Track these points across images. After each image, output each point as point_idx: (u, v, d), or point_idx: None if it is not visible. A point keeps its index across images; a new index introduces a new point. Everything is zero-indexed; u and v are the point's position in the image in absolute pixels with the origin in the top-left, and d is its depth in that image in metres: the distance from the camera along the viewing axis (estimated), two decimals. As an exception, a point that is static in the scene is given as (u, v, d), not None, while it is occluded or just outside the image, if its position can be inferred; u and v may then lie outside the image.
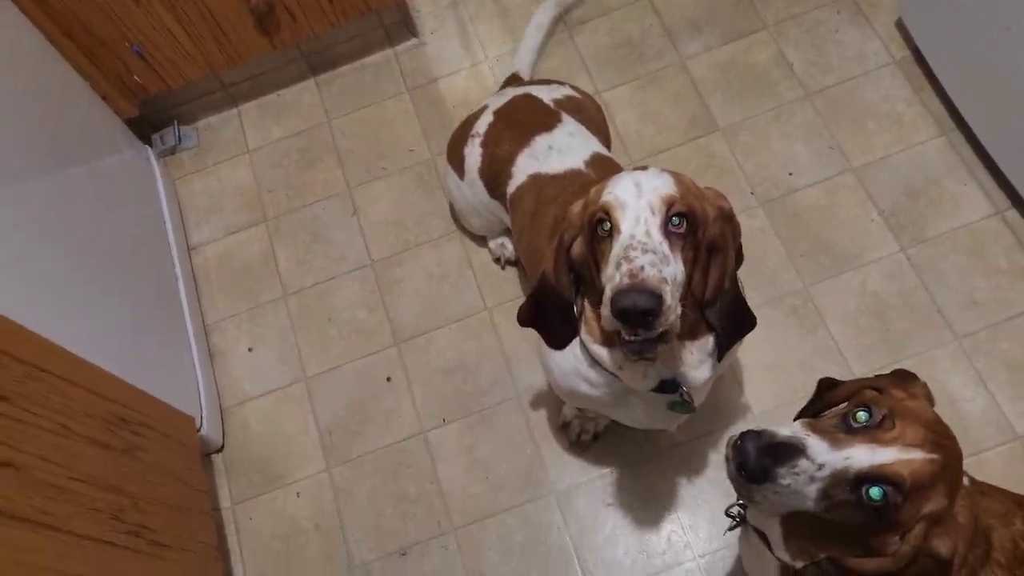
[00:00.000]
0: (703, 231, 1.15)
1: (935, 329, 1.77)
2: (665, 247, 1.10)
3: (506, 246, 1.92)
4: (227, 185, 2.15)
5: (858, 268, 1.84)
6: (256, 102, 2.23)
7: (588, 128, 1.69)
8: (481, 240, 1.98)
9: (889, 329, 1.78)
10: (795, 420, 1.04)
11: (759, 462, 0.94)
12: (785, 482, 0.94)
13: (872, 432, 0.97)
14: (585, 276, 1.23)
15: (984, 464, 1.64)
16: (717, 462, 1.72)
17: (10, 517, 1.07)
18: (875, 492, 0.93)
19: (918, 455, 0.95)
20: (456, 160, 1.77)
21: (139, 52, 1.89)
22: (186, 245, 2.07)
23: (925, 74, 1.99)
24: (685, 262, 1.13)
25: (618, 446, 1.76)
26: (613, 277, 1.08)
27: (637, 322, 1.06)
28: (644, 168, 1.20)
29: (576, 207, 1.23)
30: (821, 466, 0.94)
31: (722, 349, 1.27)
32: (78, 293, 1.53)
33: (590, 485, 1.74)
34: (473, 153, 1.71)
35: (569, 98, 1.74)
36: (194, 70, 2.00)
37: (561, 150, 1.58)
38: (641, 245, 1.08)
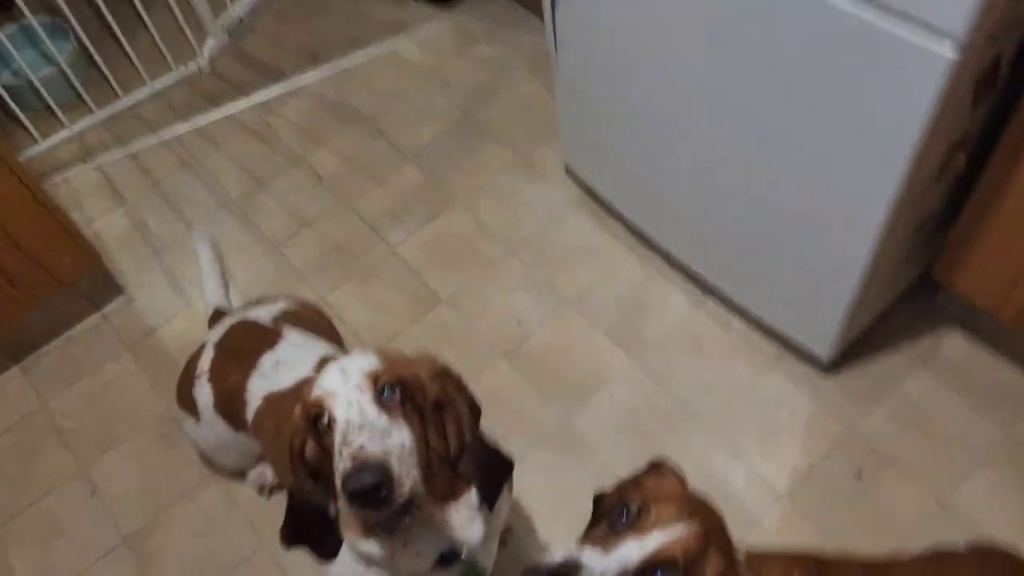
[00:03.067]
0: (423, 395, 1.18)
1: (683, 422, 1.91)
2: (383, 420, 1.11)
3: (266, 474, 1.84)
4: (-65, 509, 1.89)
5: (602, 388, 1.97)
6: (-46, 408, 2.03)
7: (313, 333, 1.71)
8: (241, 476, 1.88)
9: (647, 434, 1.89)
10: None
11: None
12: None
13: (635, 525, 1.02)
14: (325, 475, 1.21)
15: (763, 531, 1.75)
16: (536, 620, 1.69)
17: None
18: None
19: (679, 529, 1.00)
20: (188, 404, 1.70)
21: None
22: None
23: (601, 206, 2.25)
24: (413, 427, 1.15)
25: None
26: (339, 466, 1.07)
27: (373, 501, 1.05)
28: (348, 355, 1.22)
29: (296, 410, 1.22)
30: (603, 574, 0.96)
31: (488, 498, 1.27)
32: None
33: None
34: (203, 392, 1.65)
35: (286, 312, 1.76)
36: None
37: (289, 363, 1.58)
38: (357, 426, 1.09)
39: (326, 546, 1.25)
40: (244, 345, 1.65)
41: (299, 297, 1.89)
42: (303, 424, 1.18)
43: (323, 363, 1.57)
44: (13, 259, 1.85)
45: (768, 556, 1.34)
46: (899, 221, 1.53)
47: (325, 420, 1.12)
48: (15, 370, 2.08)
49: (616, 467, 1.84)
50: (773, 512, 1.77)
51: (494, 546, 1.40)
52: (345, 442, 1.07)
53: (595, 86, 1.92)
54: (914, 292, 1.98)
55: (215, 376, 1.64)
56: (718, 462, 1.84)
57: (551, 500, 1.82)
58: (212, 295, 2.04)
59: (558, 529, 1.78)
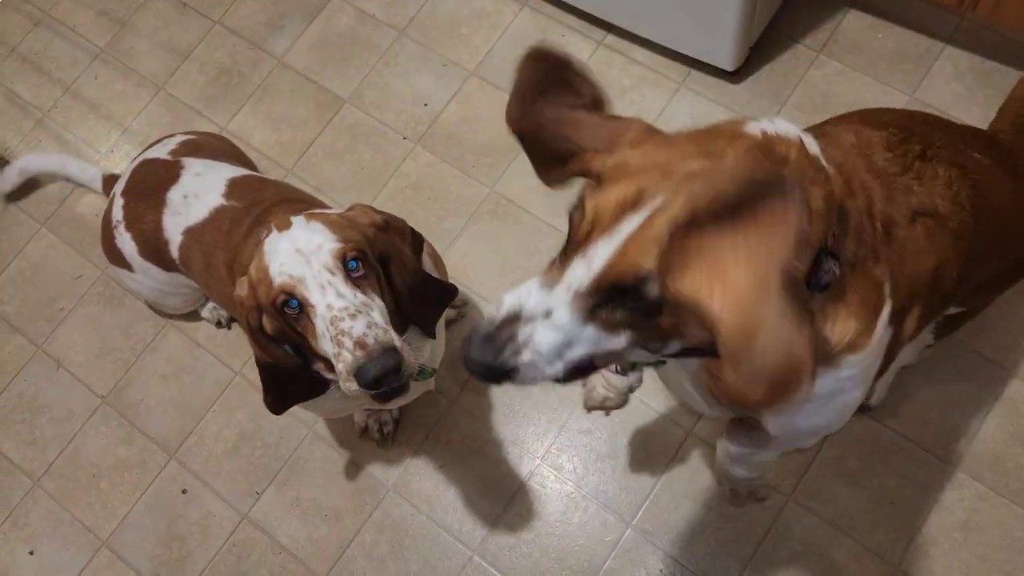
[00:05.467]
0: (373, 254, 1.19)
1: (606, 162, 1.93)
2: (360, 296, 1.13)
3: (218, 308, 1.87)
4: (-91, 418, 1.92)
5: (520, 150, 1.96)
6: None
7: (218, 159, 1.67)
8: (195, 316, 1.91)
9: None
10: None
11: (483, 368, 0.79)
12: (525, 357, 0.77)
13: (577, 233, 0.78)
14: (292, 339, 1.23)
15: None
16: (504, 373, 1.80)
17: None
18: (630, 300, 0.74)
19: (632, 222, 0.70)
20: (116, 257, 1.69)
21: None
22: (-99, 500, 1.84)
23: (482, -35, 2.14)
24: (377, 291, 1.17)
25: (419, 417, 1.78)
26: (342, 356, 1.09)
27: (390, 382, 1.10)
28: (286, 224, 1.18)
29: (242, 290, 1.21)
30: (548, 312, 0.76)
31: (428, 330, 1.31)
32: None
33: (415, 463, 1.76)
34: (125, 241, 1.64)
35: (183, 143, 1.71)
36: None
37: (197, 193, 1.56)
38: (344, 311, 1.10)
39: (314, 389, 1.31)
40: (149, 185, 1.62)
41: (201, 130, 1.83)
42: (253, 303, 1.18)
43: (231, 187, 1.56)
44: None
45: (834, 125, 1.11)
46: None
47: (295, 305, 1.13)
48: (-63, 272, 2.04)
49: (555, 224, 1.89)
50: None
51: (441, 350, 1.50)
52: (340, 330, 1.08)
53: None
54: (805, -21, 1.96)
55: (131, 223, 1.62)
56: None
57: (499, 269, 1.88)
58: (86, 171, 1.95)
59: (500, 286, 1.85)
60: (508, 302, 0.80)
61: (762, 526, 1.62)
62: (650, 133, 0.83)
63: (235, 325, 1.90)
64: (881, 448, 1.64)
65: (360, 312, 1.10)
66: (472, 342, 0.80)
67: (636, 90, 1.98)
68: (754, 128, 0.82)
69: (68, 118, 2.15)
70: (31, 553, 1.79)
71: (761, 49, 1.94)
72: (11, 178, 1.99)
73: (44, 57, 2.22)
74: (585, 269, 0.74)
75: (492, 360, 0.78)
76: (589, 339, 0.78)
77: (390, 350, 1.08)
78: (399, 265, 1.25)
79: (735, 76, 1.94)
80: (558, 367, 0.79)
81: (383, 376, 1.08)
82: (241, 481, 1.79)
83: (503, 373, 0.79)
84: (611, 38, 2.03)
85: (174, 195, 1.57)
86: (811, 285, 0.80)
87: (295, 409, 1.78)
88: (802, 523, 1.62)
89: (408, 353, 1.13)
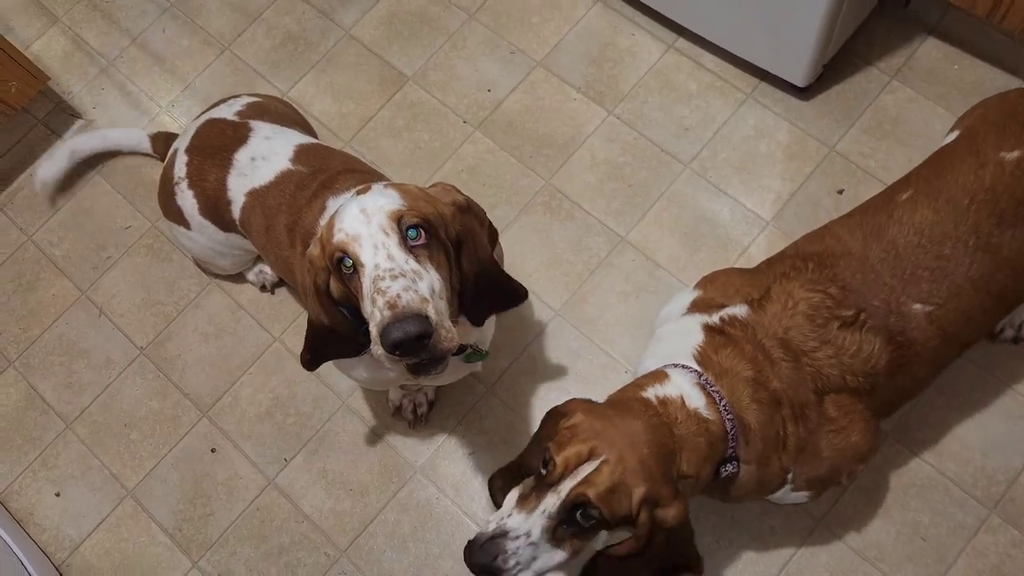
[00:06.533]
0: (445, 231, 1.16)
1: (666, 166, 1.92)
2: (412, 263, 1.10)
3: (264, 271, 1.87)
4: (-50, 349, 1.94)
5: (582, 145, 1.96)
6: (-60, 253, 2.02)
7: (283, 123, 1.67)
8: (240, 278, 1.92)
9: (631, 184, 1.91)
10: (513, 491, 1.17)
11: (482, 568, 1.10)
12: (511, 564, 1.09)
13: (549, 477, 1.11)
14: (354, 305, 1.21)
15: (752, 260, 1.81)
16: (542, 372, 1.79)
17: None
18: (581, 519, 1.09)
19: (586, 469, 1.08)
20: (174, 213, 1.70)
21: None
22: (-65, 428, 1.86)
23: (559, -44, 2.13)
24: (440, 267, 1.14)
25: (454, 401, 1.78)
26: (374, 314, 1.06)
27: (414, 349, 1.06)
28: (367, 189, 1.18)
29: (314, 249, 1.20)
30: (528, 534, 1.09)
31: (477, 319, 1.29)
32: None
33: (446, 446, 1.76)
34: (186, 199, 1.64)
35: (250, 105, 1.71)
36: None
37: (265, 156, 1.56)
38: (388, 272, 1.07)
39: (352, 348, 1.29)
40: (215, 144, 1.62)
41: (263, 93, 1.83)
42: (322, 263, 1.17)
43: (299, 153, 1.56)
44: (-43, 92, 1.78)
45: (770, 262, 1.38)
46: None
47: (349, 264, 1.11)
48: (-9, 208, 2.05)
49: (607, 223, 1.88)
50: (760, 239, 1.83)
51: (490, 332, 1.48)
52: (378, 289, 1.05)
53: None
54: (886, 6, 1.92)
55: (193, 181, 1.63)
56: (703, 200, 1.87)
57: (547, 261, 1.87)
58: (130, 136, 1.96)
59: (556, 288, 1.85)
60: (497, 523, 1.12)
61: (789, 549, 1.60)
62: (588, 408, 1.17)
63: (279, 290, 1.91)
64: (918, 483, 1.62)
65: (404, 276, 1.07)
66: (473, 548, 1.12)
67: (702, 97, 1.96)
68: (651, 394, 1.19)
69: (132, 69, 2.16)
70: (57, 495, 1.81)
71: (834, 68, 1.91)
72: (60, 162, 1.95)
73: (115, 6, 2.23)
74: (555, 498, 1.09)
75: (489, 563, 1.10)
76: (551, 554, 1.12)
77: (419, 316, 1.04)
78: (471, 250, 1.23)
79: (805, 92, 1.91)
80: (532, 571, 1.12)
81: (405, 341, 1.04)
82: (271, 446, 1.79)
83: (497, 572, 1.11)
84: (682, 42, 2.01)
85: (241, 156, 1.57)
86: (716, 480, 1.22)
87: (331, 379, 1.81)
88: (830, 549, 1.60)
89: (444, 328, 1.08)
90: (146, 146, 1.93)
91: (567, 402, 1.21)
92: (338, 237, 1.12)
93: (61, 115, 2.10)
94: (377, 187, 1.18)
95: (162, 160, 1.85)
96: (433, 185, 1.26)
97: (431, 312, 1.06)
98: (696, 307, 1.36)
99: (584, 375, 1.78)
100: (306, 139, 1.62)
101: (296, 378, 1.84)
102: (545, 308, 1.83)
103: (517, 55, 2.05)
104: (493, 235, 1.33)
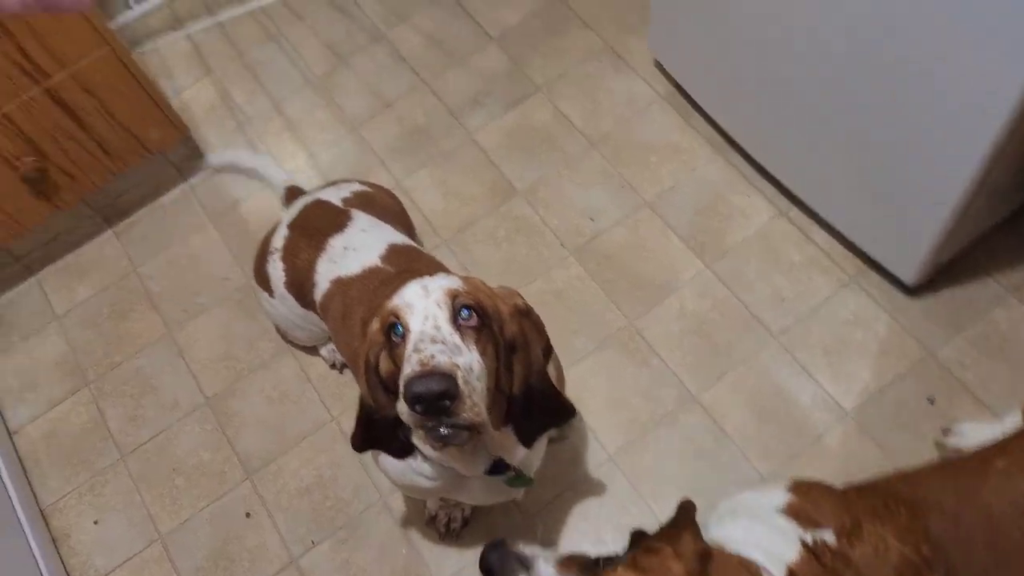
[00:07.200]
0: (499, 327, 1.18)
1: (754, 333, 1.87)
2: (456, 338, 1.11)
3: (337, 352, 1.91)
4: (39, 358, 2.05)
5: (673, 293, 1.94)
6: (54, 266, 2.15)
7: (383, 218, 1.72)
8: (313, 351, 1.96)
9: (714, 343, 1.87)
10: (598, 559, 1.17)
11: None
12: None
13: None
14: (396, 389, 1.22)
15: (824, 450, 1.73)
16: (582, 512, 1.74)
17: None
18: None
19: None
20: (262, 279, 1.76)
21: (-94, 245, 1.80)
22: (6, 431, 1.95)
23: (689, 103, 2.15)
24: (485, 355, 1.14)
25: (489, 523, 1.75)
26: (404, 369, 1.08)
27: (434, 409, 1.05)
28: (434, 274, 1.23)
29: (374, 324, 1.23)
30: None
31: (525, 439, 1.27)
32: None
33: (471, 566, 1.72)
34: (276, 269, 1.71)
35: (358, 194, 1.77)
36: (-25, 251, 1.92)
37: (356, 248, 1.60)
38: (430, 337, 1.09)
39: (397, 449, 1.30)
40: (315, 225, 1.68)
41: (372, 181, 1.90)
42: (380, 338, 1.20)
43: (391, 252, 1.60)
44: (106, 127, 1.91)
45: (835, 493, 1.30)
46: (1009, 146, 1.41)
47: (399, 331, 1.13)
48: (109, 234, 2.18)
49: (681, 377, 1.84)
50: (836, 430, 1.75)
51: (538, 460, 1.46)
52: (416, 349, 1.07)
53: (692, -26, 1.80)
54: (1017, 219, 1.85)
55: (287, 254, 1.69)
56: (785, 377, 1.82)
57: (610, 401, 1.84)
58: (277, 176, 2.06)
59: (615, 431, 1.81)
60: (532, 555, 1.14)
61: None
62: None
63: (347, 371, 1.94)
64: None
65: (443, 344, 1.08)
66: (496, 548, 1.14)
67: (804, 270, 1.92)
68: None
69: (266, 129, 2.29)
70: (96, 523, 1.86)
71: (948, 269, 1.84)
72: (224, 159, 2.18)
73: (265, 69, 2.38)
74: None
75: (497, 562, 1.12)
76: None
77: (446, 376, 1.03)
78: (524, 358, 1.22)
79: (911, 291, 1.85)
80: None
81: (427, 396, 1.03)
82: (302, 524, 1.80)
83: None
84: (795, 212, 1.98)
85: (336, 243, 1.62)
86: None
87: (375, 472, 1.81)
88: None
89: (471, 400, 1.07)
90: (281, 191, 2.02)
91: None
92: (394, 303, 1.16)
93: (192, 161, 2.23)
94: (443, 274, 1.22)
95: (285, 202, 1.96)
96: (500, 286, 1.27)
97: (460, 377, 1.06)
98: (792, 512, 1.28)
99: (625, 528, 1.72)
100: (400, 239, 1.67)
101: (343, 462, 1.85)
102: (600, 450, 1.80)
103: (627, 190, 2.07)
104: (548, 349, 1.32)
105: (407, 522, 1.78)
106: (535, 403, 1.23)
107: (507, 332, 1.19)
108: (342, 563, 1.76)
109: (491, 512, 1.75)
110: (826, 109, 1.67)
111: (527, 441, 1.27)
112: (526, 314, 1.24)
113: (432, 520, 1.74)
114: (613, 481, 1.76)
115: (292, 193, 1.97)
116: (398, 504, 1.79)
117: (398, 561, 1.75)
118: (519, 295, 1.26)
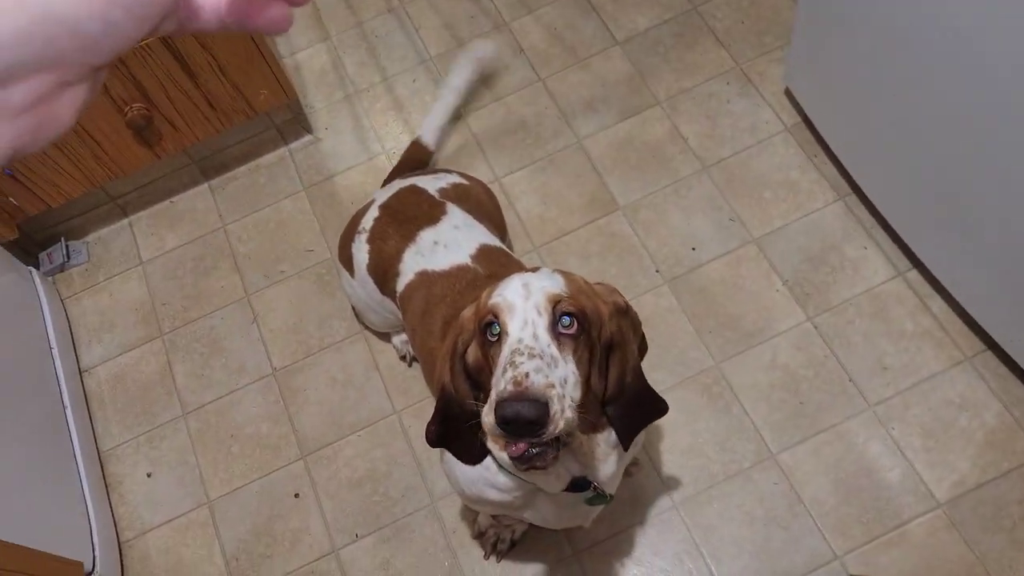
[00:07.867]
0: (598, 330, 1.12)
1: (848, 398, 1.75)
2: (554, 349, 1.05)
3: (409, 343, 1.86)
4: (119, 301, 2.06)
5: (767, 341, 1.82)
6: (147, 211, 2.16)
7: (477, 215, 1.66)
8: (386, 338, 1.92)
9: (803, 402, 1.75)
10: None
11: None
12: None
13: None
14: (483, 383, 1.18)
15: (906, 536, 1.60)
16: (638, 557, 1.66)
17: None
18: None
19: None
20: (346, 258, 1.72)
21: (10, 173, 1.82)
22: (76, 369, 1.97)
23: (816, 140, 2.01)
24: (580, 362, 1.09)
25: (537, 549, 1.68)
26: (498, 383, 1.03)
27: (522, 432, 1.00)
28: (535, 269, 1.17)
29: (468, 311, 1.19)
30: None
31: (624, 440, 1.22)
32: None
33: (512, 593, 1.66)
34: (361, 250, 1.66)
35: (455, 186, 1.71)
36: (75, 187, 1.93)
37: (447, 245, 1.54)
38: (528, 349, 1.04)
39: (472, 452, 1.24)
40: (408, 212, 1.62)
41: (470, 174, 1.83)
42: (472, 327, 1.15)
43: (481, 252, 1.54)
44: (217, 83, 1.89)
45: None
46: None
47: (496, 330, 1.09)
48: (205, 187, 2.17)
49: (762, 432, 1.73)
50: (923, 520, 1.62)
51: (619, 477, 1.37)
52: (511, 362, 1.02)
53: (849, 1, 1.66)
54: None
55: (374, 237, 1.64)
56: (875, 451, 1.69)
57: (683, 446, 1.74)
58: (429, 125, 1.96)
59: (684, 478, 1.71)
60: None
61: None
62: None
63: (416, 366, 1.89)
64: None
65: (540, 358, 1.03)
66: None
67: (914, 340, 1.78)
68: None
69: (372, 105, 2.24)
70: (149, 475, 1.86)
71: (1077, 366, 1.68)
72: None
73: (381, 42, 2.33)
74: None
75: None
76: None
77: (538, 403, 0.98)
78: (622, 357, 1.16)
79: (1033, 381, 1.69)
80: None
81: (516, 421, 0.98)
82: (349, 516, 1.76)
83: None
84: (914, 274, 1.84)
85: (426, 236, 1.56)
86: None
87: (431, 475, 1.76)
88: None
89: (555, 424, 1.01)
90: (425, 134, 1.96)
91: None
92: (494, 300, 1.10)
93: (295, 126, 2.20)
94: (545, 270, 1.16)
95: (409, 164, 1.92)
96: (599, 283, 1.20)
97: (553, 400, 1.01)
98: None
99: (678, 583, 1.63)
100: (492, 241, 1.60)
101: (399, 459, 1.80)
102: (665, 495, 1.70)
103: (736, 224, 1.95)
104: (644, 346, 1.27)
105: (454, 530, 1.72)
106: (630, 400, 1.18)
107: (606, 332, 1.14)
108: (382, 562, 1.71)
109: (541, 541, 1.68)
110: (970, 177, 1.52)
111: (626, 440, 1.21)
112: (625, 312, 1.19)
113: (480, 536, 1.69)
114: (673, 531, 1.67)
115: (412, 147, 1.93)
116: (449, 513, 1.74)
117: (438, 571, 1.70)
118: (619, 292, 1.21)
